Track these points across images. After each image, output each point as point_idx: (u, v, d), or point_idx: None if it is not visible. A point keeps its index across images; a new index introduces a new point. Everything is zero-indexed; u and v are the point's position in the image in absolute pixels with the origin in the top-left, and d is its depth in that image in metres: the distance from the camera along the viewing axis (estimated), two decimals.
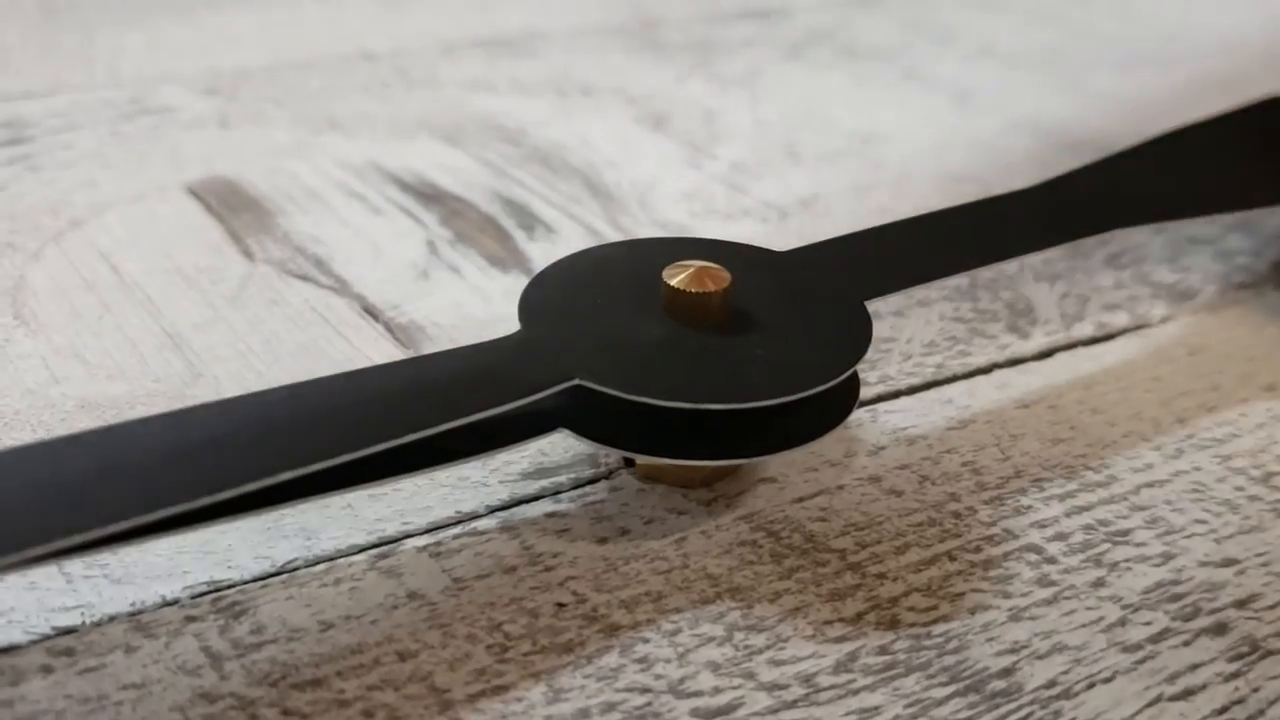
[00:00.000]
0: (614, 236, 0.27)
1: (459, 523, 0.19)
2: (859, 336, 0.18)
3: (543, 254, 0.26)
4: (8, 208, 0.27)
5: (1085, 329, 0.24)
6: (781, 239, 0.27)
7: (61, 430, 0.20)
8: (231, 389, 0.21)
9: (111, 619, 0.17)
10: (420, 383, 0.17)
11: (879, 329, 0.23)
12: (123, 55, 0.36)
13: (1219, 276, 0.26)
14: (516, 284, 0.25)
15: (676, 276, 0.18)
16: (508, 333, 0.18)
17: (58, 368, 0.22)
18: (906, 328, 0.24)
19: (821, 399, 0.17)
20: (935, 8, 0.36)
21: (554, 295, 0.19)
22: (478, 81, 0.35)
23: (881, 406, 0.22)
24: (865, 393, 0.22)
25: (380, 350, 0.22)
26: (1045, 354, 0.23)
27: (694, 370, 0.17)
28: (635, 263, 0.20)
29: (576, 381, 0.17)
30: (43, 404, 0.21)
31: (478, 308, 0.24)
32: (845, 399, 0.18)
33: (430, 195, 0.28)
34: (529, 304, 0.19)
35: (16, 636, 0.16)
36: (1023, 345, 0.23)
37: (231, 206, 0.27)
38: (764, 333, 0.18)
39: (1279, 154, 0.26)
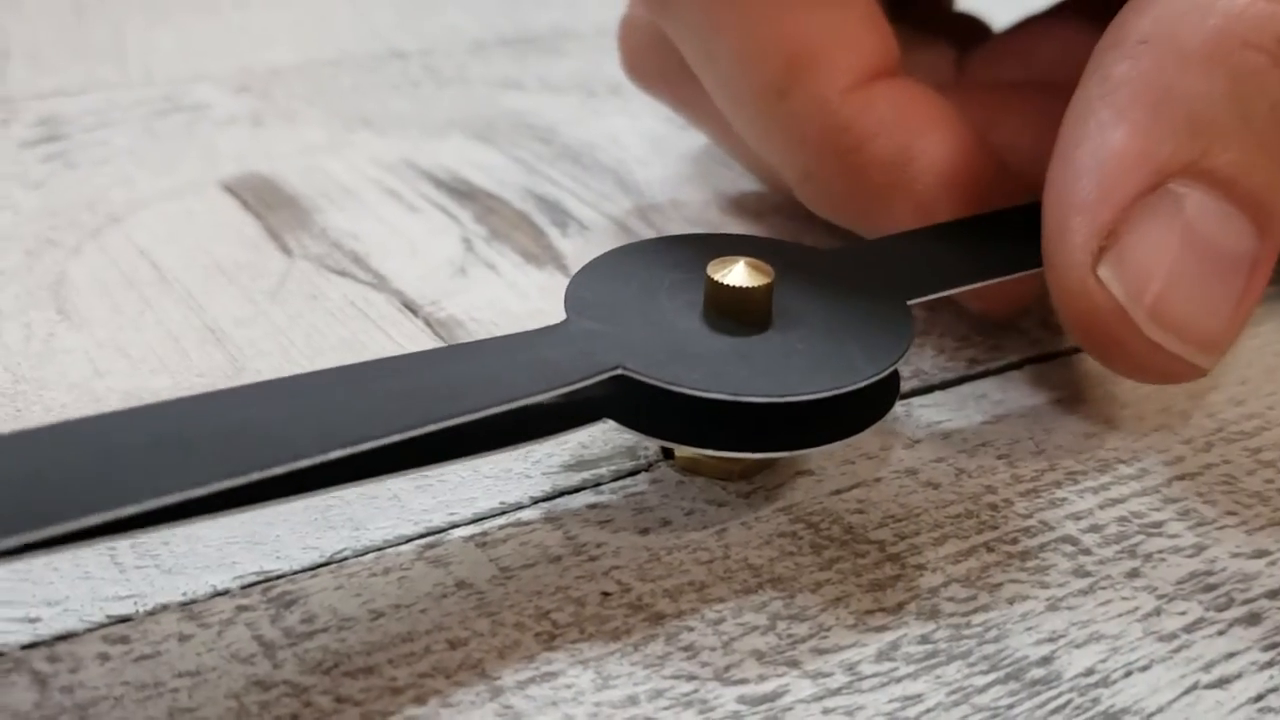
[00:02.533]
0: (645, 233, 0.27)
1: (503, 513, 0.19)
2: (900, 335, 0.18)
3: (576, 251, 0.26)
4: (47, 204, 0.28)
5: None
6: (810, 238, 0.27)
7: None
8: None
9: (164, 608, 0.17)
10: (468, 368, 0.17)
11: (917, 326, 0.24)
12: (154, 53, 0.36)
13: None
14: (551, 280, 0.25)
15: (720, 272, 0.19)
16: (541, 325, 0.19)
17: (101, 361, 0.22)
18: (939, 322, 0.24)
19: (862, 395, 0.18)
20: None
21: (599, 287, 0.19)
22: (507, 80, 0.35)
23: (916, 400, 0.22)
24: (901, 387, 0.22)
25: (420, 345, 0.23)
26: (1076, 349, 0.23)
27: (736, 363, 0.18)
28: (679, 257, 0.20)
29: (620, 370, 0.17)
30: (88, 397, 0.21)
31: (514, 303, 0.24)
32: (886, 395, 0.19)
33: (464, 192, 0.28)
34: (574, 295, 0.19)
35: (73, 624, 0.17)
36: (1054, 340, 0.24)
37: (268, 203, 0.28)
38: (806, 329, 0.18)
39: None
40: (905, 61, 0.24)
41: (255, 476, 0.15)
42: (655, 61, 0.27)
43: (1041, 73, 0.27)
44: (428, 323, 0.23)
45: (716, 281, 0.18)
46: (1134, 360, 0.19)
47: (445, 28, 0.39)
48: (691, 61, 0.24)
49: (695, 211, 0.28)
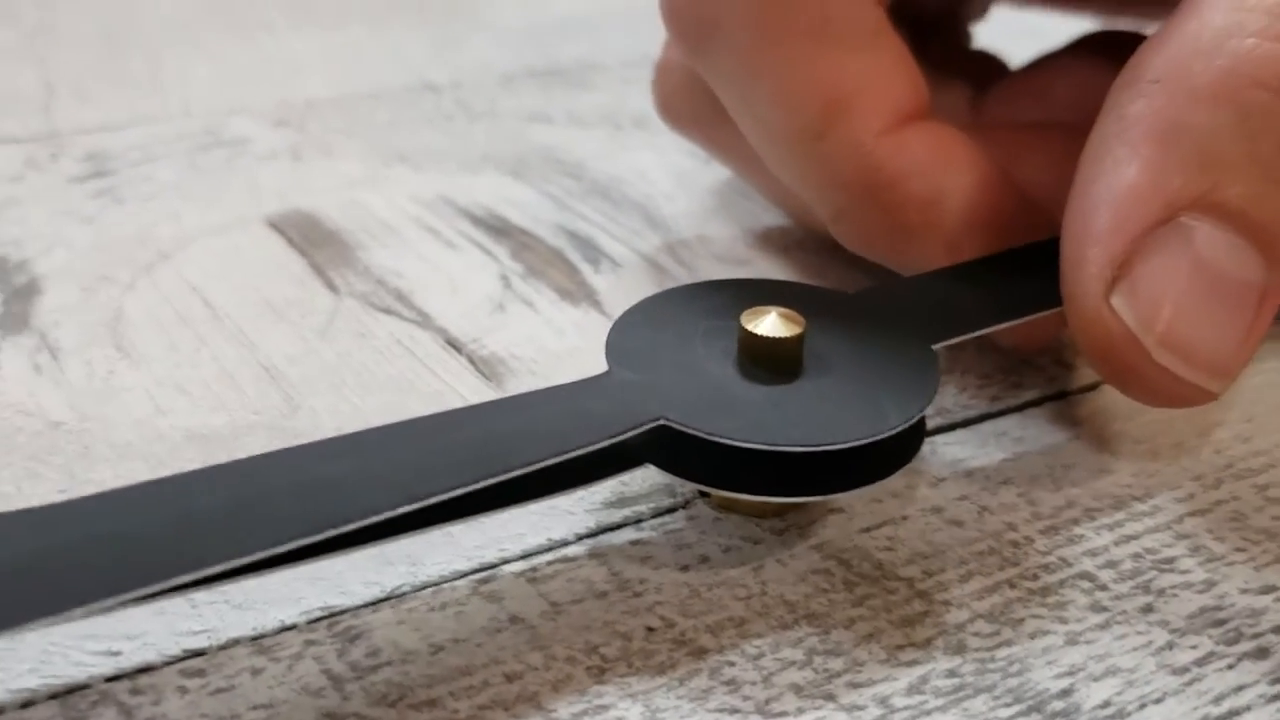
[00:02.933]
0: (675, 269, 0.28)
1: (551, 549, 0.20)
2: (926, 381, 0.20)
3: (609, 287, 0.27)
4: (99, 240, 0.29)
5: None
6: (834, 270, 0.28)
7: (171, 460, 0.22)
8: (329, 420, 0.23)
9: (235, 642, 0.18)
10: (520, 420, 0.19)
11: (941, 363, 0.25)
12: (191, 84, 0.37)
13: None
14: (586, 317, 0.26)
15: (753, 322, 0.20)
16: (580, 363, 0.20)
17: (162, 399, 0.23)
18: (961, 360, 0.25)
19: (891, 441, 0.19)
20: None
21: (637, 336, 0.20)
22: (535, 114, 0.36)
23: (940, 439, 0.23)
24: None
25: (465, 383, 0.24)
26: (1090, 387, 0.25)
27: (771, 412, 0.19)
28: (712, 304, 0.21)
29: (661, 421, 0.19)
30: (152, 435, 0.22)
31: (552, 340, 0.25)
32: (914, 440, 0.20)
33: (500, 229, 0.30)
34: (615, 345, 0.20)
35: (152, 657, 0.18)
36: (1070, 378, 0.25)
37: (312, 240, 0.29)
38: (836, 376, 0.20)
39: None
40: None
41: (330, 533, 0.16)
42: (688, 105, 0.28)
43: (1058, 112, 0.28)
44: (471, 360, 0.25)
45: (749, 332, 0.20)
46: (1147, 385, 0.20)
47: (475, 60, 0.40)
48: (728, 105, 0.25)
49: (722, 247, 0.29)
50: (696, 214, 0.31)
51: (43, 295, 0.26)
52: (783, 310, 0.20)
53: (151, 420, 0.23)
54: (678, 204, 0.31)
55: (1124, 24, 0.32)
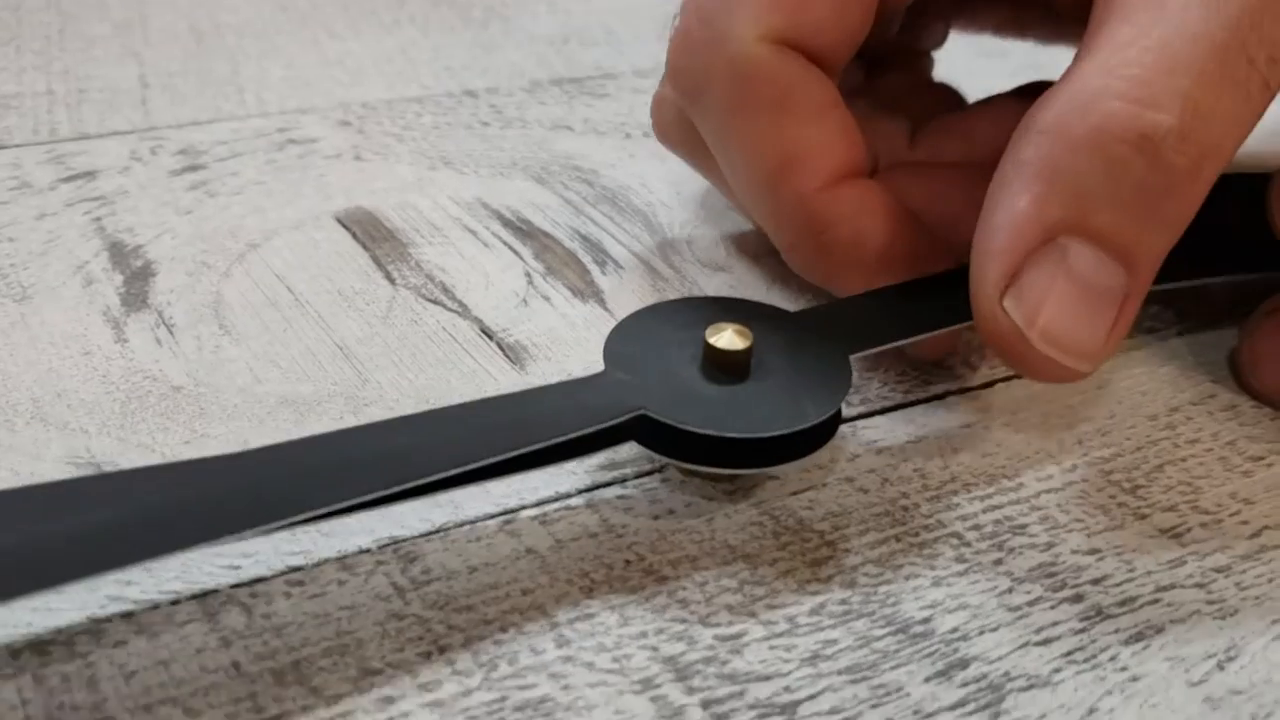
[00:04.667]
0: (667, 273, 0.35)
1: (558, 500, 0.27)
2: (840, 384, 0.26)
3: (612, 287, 0.34)
4: (198, 229, 0.35)
5: None
6: (793, 277, 0.34)
7: (269, 419, 0.28)
8: (390, 390, 0.29)
9: (326, 561, 0.25)
10: (538, 407, 0.25)
11: (868, 362, 0.31)
12: (266, 85, 0.44)
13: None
14: (593, 312, 0.33)
15: (714, 336, 0.26)
16: (586, 352, 0.27)
17: (259, 371, 0.30)
18: (885, 360, 0.32)
19: (810, 430, 0.25)
20: (944, 58, 0.44)
21: (628, 344, 0.27)
22: (558, 122, 0.43)
23: (861, 423, 0.30)
24: (850, 411, 0.30)
25: (494, 365, 0.30)
26: (987, 385, 0.31)
27: (724, 407, 0.25)
28: (686, 319, 0.28)
29: (642, 411, 0.25)
30: (252, 399, 0.29)
31: (565, 331, 0.32)
32: (829, 427, 0.26)
33: (526, 231, 0.36)
34: (610, 350, 0.27)
35: (263, 571, 0.25)
36: (971, 376, 0.31)
37: (374, 237, 0.35)
38: (774, 379, 0.26)
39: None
40: (866, 131, 0.31)
41: (398, 488, 0.23)
42: (679, 134, 0.34)
43: (977, 151, 0.34)
44: (500, 346, 0.31)
45: (711, 344, 0.26)
46: (1030, 367, 0.26)
47: (508, 66, 0.47)
48: (709, 145, 0.31)
49: (707, 254, 0.36)
50: (687, 222, 0.37)
51: (156, 278, 0.33)
52: (737, 327, 0.26)
53: (251, 387, 0.29)
54: (673, 212, 0.38)
55: (1060, 48, 0.38)
